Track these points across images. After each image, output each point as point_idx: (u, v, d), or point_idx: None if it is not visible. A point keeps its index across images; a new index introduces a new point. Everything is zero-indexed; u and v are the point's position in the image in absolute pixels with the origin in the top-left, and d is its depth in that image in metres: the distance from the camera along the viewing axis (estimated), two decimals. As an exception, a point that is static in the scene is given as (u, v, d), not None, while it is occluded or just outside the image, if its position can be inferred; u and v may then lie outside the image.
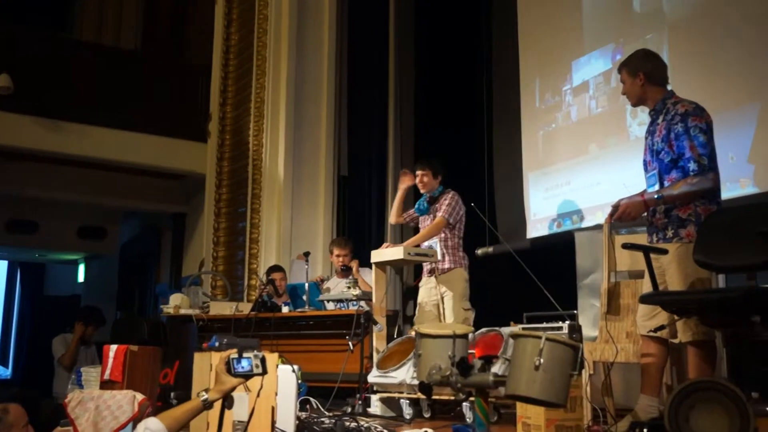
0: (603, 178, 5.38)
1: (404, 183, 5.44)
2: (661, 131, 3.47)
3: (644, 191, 3.52)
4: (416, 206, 5.40)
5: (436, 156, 5.53)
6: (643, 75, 3.56)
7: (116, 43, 10.15)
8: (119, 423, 3.29)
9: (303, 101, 7.90)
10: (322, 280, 6.02)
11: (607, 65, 5.62)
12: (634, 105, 3.73)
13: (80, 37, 9.93)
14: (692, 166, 3.31)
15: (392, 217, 5.54)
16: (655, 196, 3.37)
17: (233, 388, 2.53)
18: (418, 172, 5.32)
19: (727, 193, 4.49)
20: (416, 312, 5.27)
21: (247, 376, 2.53)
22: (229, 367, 2.51)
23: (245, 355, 2.53)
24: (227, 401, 2.52)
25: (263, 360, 2.55)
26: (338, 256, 6.01)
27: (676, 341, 3.35)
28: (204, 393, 2.53)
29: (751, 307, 2.70)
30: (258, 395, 2.58)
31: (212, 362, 2.94)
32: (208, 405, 2.53)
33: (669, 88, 3.61)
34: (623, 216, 3.44)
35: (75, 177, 9.57)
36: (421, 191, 5.37)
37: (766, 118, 4.41)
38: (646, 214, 3.50)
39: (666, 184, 3.42)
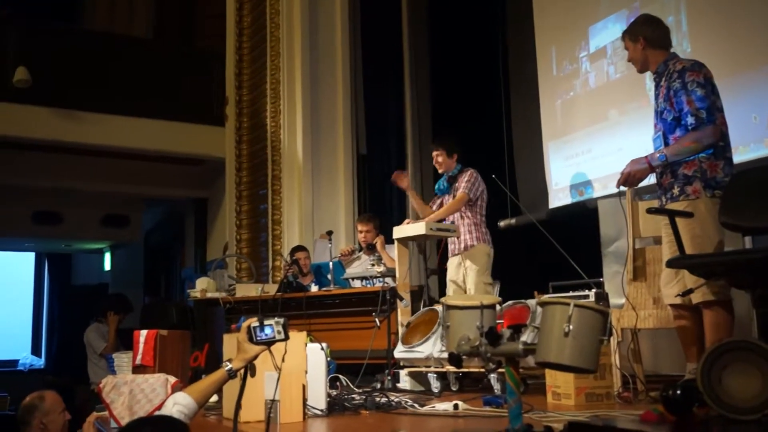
0: (624, 144, 5.33)
1: (402, 183, 5.40)
2: (663, 92, 3.46)
3: (649, 154, 3.48)
4: (436, 186, 5.41)
5: (453, 130, 5.49)
6: (644, 39, 3.55)
7: (129, 31, 10.16)
8: (153, 406, 3.33)
9: (318, 80, 7.89)
10: (352, 251, 6.01)
11: (623, 30, 5.53)
12: (640, 71, 3.71)
13: (93, 26, 9.94)
14: (690, 120, 3.29)
15: (421, 215, 5.45)
16: (658, 157, 3.34)
17: (256, 356, 2.55)
18: (434, 153, 5.33)
19: (750, 153, 4.45)
20: (446, 291, 5.29)
21: (270, 342, 2.54)
22: (251, 336, 2.52)
23: (266, 322, 2.54)
24: (250, 369, 2.54)
25: (285, 325, 2.55)
26: (361, 232, 6.02)
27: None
28: (228, 363, 2.56)
29: (780, 267, 2.67)
30: (283, 360, 2.58)
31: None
32: (233, 374, 2.55)
33: (673, 51, 3.58)
34: (629, 181, 3.42)
35: (96, 166, 9.65)
36: (439, 171, 5.36)
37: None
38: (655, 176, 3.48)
39: (671, 143, 3.39)
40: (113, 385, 3.51)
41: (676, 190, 3.36)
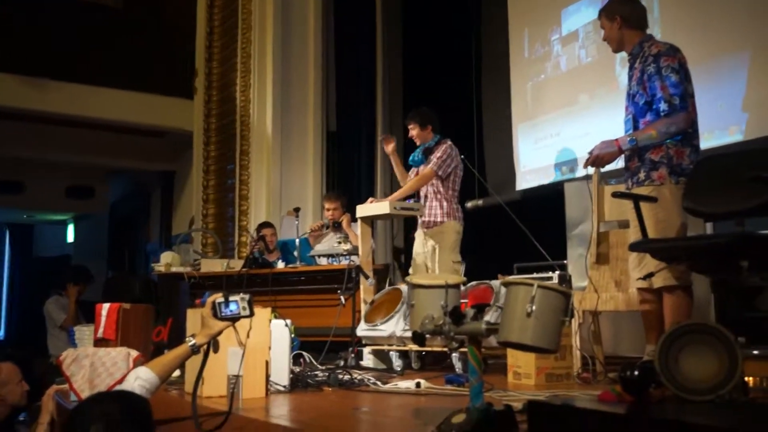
0: (592, 129, 5.36)
1: (388, 146, 5.37)
2: (636, 74, 3.47)
3: (620, 137, 3.50)
4: (411, 158, 5.30)
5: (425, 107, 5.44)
6: (621, 19, 3.55)
7: (98, 0, 9.95)
8: (115, 379, 3.31)
9: (290, 55, 7.81)
10: (322, 227, 5.97)
11: (596, 14, 5.49)
12: (615, 50, 3.72)
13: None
14: (663, 106, 3.31)
15: (401, 183, 5.40)
16: (628, 140, 3.37)
17: (220, 332, 2.54)
18: (409, 127, 5.27)
19: (715, 140, 4.51)
20: (411, 264, 5.27)
21: (234, 318, 2.53)
22: (215, 311, 2.51)
23: (232, 298, 2.52)
24: (213, 345, 2.53)
25: (250, 302, 2.54)
26: (328, 210, 5.99)
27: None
28: (191, 338, 2.54)
29: (740, 253, 2.73)
30: (248, 336, 2.57)
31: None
32: (196, 350, 2.54)
33: (648, 32, 3.60)
34: (597, 162, 3.45)
35: (61, 136, 9.49)
36: (417, 144, 5.26)
37: (756, 65, 4.39)
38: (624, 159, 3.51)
39: (641, 127, 3.41)
40: (74, 358, 3.47)
41: (642, 175, 3.39)
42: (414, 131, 5.21)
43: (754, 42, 4.42)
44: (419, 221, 5.18)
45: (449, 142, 5.13)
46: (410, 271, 5.22)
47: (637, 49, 3.53)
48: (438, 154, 5.07)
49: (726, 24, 4.58)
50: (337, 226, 5.85)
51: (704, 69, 4.50)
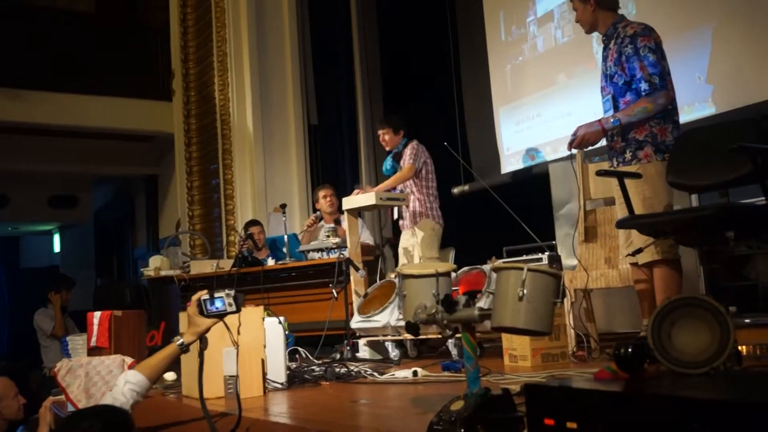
0: (573, 108, 5.38)
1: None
2: (612, 55, 3.49)
3: (602, 117, 3.51)
4: (383, 167, 5.37)
5: (404, 98, 5.46)
6: (594, 1, 3.55)
7: (71, 5, 9.86)
8: (110, 387, 3.29)
9: (267, 51, 7.77)
10: (317, 219, 5.94)
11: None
12: (588, 32, 3.73)
13: (35, 2, 9.62)
14: (644, 86, 3.33)
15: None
16: (612, 121, 3.39)
17: (208, 329, 2.52)
18: (379, 132, 5.32)
19: (695, 113, 4.54)
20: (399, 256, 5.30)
21: (221, 315, 2.51)
22: (201, 309, 2.50)
23: (217, 294, 2.51)
24: (202, 343, 2.52)
25: (236, 297, 2.52)
26: (325, 197, 5.97)
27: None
28: (179, 337, 2.53)
29: (726, 223, 2.74)
30: (239, 332, 2.56)
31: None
32: (184, 348, 2.53)
33: (620, 12, 3.61)
34: (582, 143, 3.46)
35: (41, 146, 9.41)
36: (386, 149, 5.33)
37: (721, 37, 4.41)
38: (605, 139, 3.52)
39: (621, 107, 3.43)
40: (68, 369, 3.46)
41: (628, 155, 3.41)
42: (387, 136, 5.25)
43: (724, 14, 4.45)
44: (399, 223, 5.23)
45: (415, 141, 5.19)
46: (399, 264, 5.24)
47: (611, 30, 3.55)
48: (408, 151, 5.12)
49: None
50: (337, 223, 5.79)
51: (680, 42, 4.52)
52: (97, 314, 4.26)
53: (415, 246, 5.05)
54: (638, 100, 3.35)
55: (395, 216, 5.28)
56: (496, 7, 6.32)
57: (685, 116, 4.53)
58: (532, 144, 5.88)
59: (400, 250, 5.23)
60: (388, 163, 5.33)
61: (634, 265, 3.44)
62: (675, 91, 3.42)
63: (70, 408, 3.34)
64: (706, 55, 4.50)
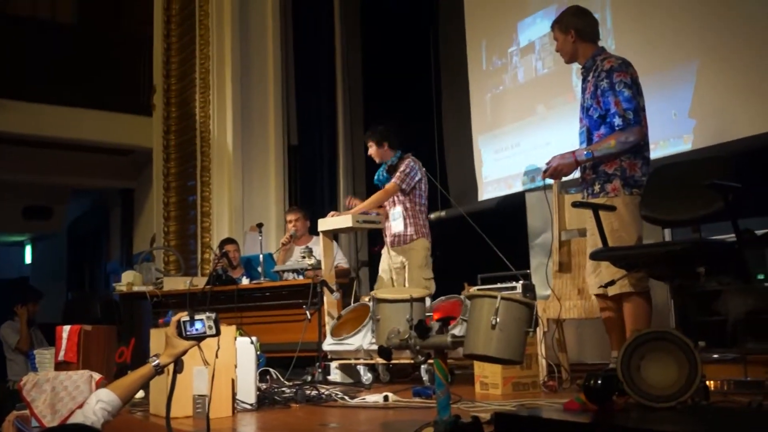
0: (551, 138, 5.44)
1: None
2: (590, 88, 3.55)
3: (576, 150, 3.56)
4: (376, 177, 5.22)
5: (385, 121, 5.41)
6: (574, 32, 3.62)
7: (53, 17, 9.82)
8: (77, 403, 3.25)
9: (249, 70, 7.79)
10: (291, 237, 5.90)
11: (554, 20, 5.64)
12: (567, 62, 3.79)
13: (15, 12, 9.57)
14: (617, 121, 3.39)
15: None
16: (585, 153, 3.44)
17: (185, 352, 2.49)
18: (367, 144, 5.21)
19: (670, 148, 4.61)
20: (377, 281, 5.21)
21: (200, 338, 2.49)
22: (180, 330, 2.47)
23: (197, 317, 2.49)
24: (178, 365, 2.49)
25: (216, 321, 2.49)
26: (290, 221, 5.95)
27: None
28: (155, 358, 2.50)
29: (697, 258, 2.79)
30: (216, 356, 2.54)
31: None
32: (159, 370, 2.49)
33: (600, 44, 3.67)
34: (555, 174, 3.51)
35: (17, 156, 9.32)
36: (377, 162, 5.19)
37: (703, 75, 4.50)
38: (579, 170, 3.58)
39: (595, 140, 3.50)
40: (34, 383, 3.40)
41: (596, 187, 3.48)
42: (371, 149, 5.15)
43: (702, 51, 4.54)
44: (386, 239, 5.11)
45: (411, 156, 5.08)
46: (375, 287, 5.17)
47: (590, 62, 3.61)
48: (401, 168, 4.99)
49: (676, 34, 4.69)
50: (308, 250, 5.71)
51: (657, 78, 4.60)
52: (67, 328, 4.20)
53: (407, 267, 4.92)
54: (611, 135, 3.41)
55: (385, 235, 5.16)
56: (478, 36, 6.40)
57: (660, 151, 4.61)
58: (510, 173, 5.93)
59: (381, 271, 5.13)
60: (381, 173, 5.16)
61: (601, 296, 3.48)
62: (648, 127, 3.48)
63: (34, 423, 3.29)
64: (682, 92, 4.58)
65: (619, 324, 3.47)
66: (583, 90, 3.62)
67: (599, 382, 2.04)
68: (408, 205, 5.00)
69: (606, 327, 3.60)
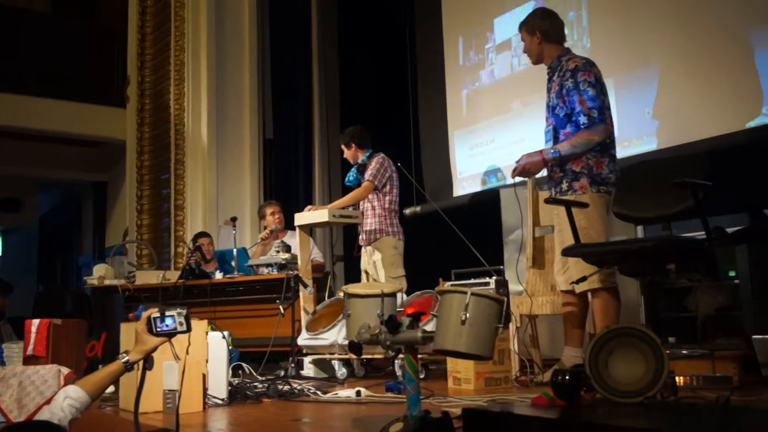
0: (526, 135, 5.47)
1: None
2: (555, 87, 3.60)
3: (543, 149, 3.59)
4: (346, 179, 5.26)
5: (360, 116, 5.43)
6: (540, 33, 3.67)
7: (28, 5, 9.67)
8: (45, 398, 3.19)
9: (225, 63, 7.74)
10: (271, 232, 5.88)
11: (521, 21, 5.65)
12: (535, 62, 3.83)
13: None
14: (582, 119, 3.44)
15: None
16: (552, 152, 3.49)
17: (155, 348, 2.46)
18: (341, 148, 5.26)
19: (644, 146, 4.65)
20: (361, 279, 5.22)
21: (171, 334, 2.46)
22: (150, 327, 2.44)
23: (168, 313, 2.46)
24: (147, 362, 2.46)
25: (188, 317, 2.47)
26: (273, 214, 5.93)
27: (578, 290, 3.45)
28: (125, 355, 2.47)
29: (667, 255, 2.82)
30: (187, 352, 2.51)
31: (139, 332, 2.88)
32: (129, 367, 2.46)
33: (567, 45, 3.71)
34: (523, 172, 3.55)
35: (-14, 147, 9.17)
36: (352, 163, 5.23)
37: (666, 74, 4.55)
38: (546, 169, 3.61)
39: (561, 138, 3.54)
40: (1, 377, 3.35)
41: (564, 185, 3.51)
42: (344, 152, 5.21)
43: (668, 52, 4.58)
44: (359, 239, 5.13)
45: (382, 155, 5.10)
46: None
47: (555, 63, 3.66)
48: (371, 165, 5.02)
49: (650, 33, 4.73)
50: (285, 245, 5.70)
51: (631, 77, 4.64)
52: (35, 322, 4.14)
53: (378, 264, 4.96)
54: (577, 133, 3.45)
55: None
56: (455, 32, 6.41)
57: (633, 149, 4.65)
58: (485, 169, 5.95)
59: (362, 271, 5.15)
60: (351, 174, 5.20)
61: (567, 292, 3.51)
62: (614, 125, 3.53)
63: (0, 418, 3.24)
64: (654, 91, 4.62)
65: (578, 320, 3.54)
66: (549, 89, 3.67)
67: (567, 377, 2.05)
68: (376, 203, 5.02)
69: (565, 321, 3.64)
